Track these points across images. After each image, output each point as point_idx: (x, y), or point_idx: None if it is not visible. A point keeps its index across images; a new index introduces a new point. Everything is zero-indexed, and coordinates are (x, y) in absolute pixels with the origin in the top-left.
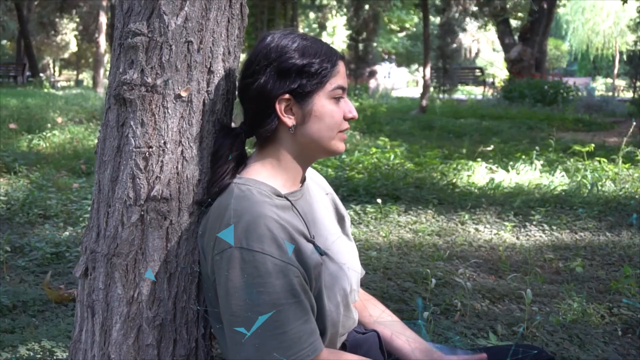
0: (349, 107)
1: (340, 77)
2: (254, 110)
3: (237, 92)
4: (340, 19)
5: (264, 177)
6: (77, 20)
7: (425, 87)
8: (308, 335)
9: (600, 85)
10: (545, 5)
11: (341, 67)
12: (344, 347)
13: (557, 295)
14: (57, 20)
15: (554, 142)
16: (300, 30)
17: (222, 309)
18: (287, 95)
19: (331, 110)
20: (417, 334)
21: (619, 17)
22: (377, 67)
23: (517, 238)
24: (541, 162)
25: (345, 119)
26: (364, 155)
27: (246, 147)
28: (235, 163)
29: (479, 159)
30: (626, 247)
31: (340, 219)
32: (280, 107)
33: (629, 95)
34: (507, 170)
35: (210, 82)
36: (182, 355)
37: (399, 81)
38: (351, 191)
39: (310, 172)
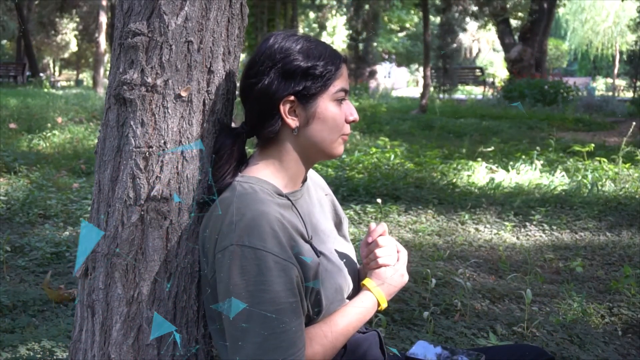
0: (350, 109)
1: (343, 79)
2: (257, 111)
3: (239, 92)
4: (340, 18)
5: (266, 175)
6: (77, 20)
7: (425, 87)
8: (302, 337)
9: (600, 85)
10: (545, 5)
11: (344, 70)
12: (344, 347)
13: (557, 295)
14: (57, 20)
15: (554, 142)
16: (301, 30)
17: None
18: (291, 97)
19: (334, 112)
20: None
21: (619, 17)
22: (377, 67)
23: (517, 238)
24: (541, 162)
25: (347, 121)
26: (364, 155)
27: (245, 148)
28: (236, 163)
29: (479, 159)
30: (626, 247)
31: (339, 221)
32: (284, 109)
33: (629, 95)
34: (507, 170)
35: (210, 82)
36: (182, 355)
37: (399, 81)
38: (351, 191)
39: (310, 173)
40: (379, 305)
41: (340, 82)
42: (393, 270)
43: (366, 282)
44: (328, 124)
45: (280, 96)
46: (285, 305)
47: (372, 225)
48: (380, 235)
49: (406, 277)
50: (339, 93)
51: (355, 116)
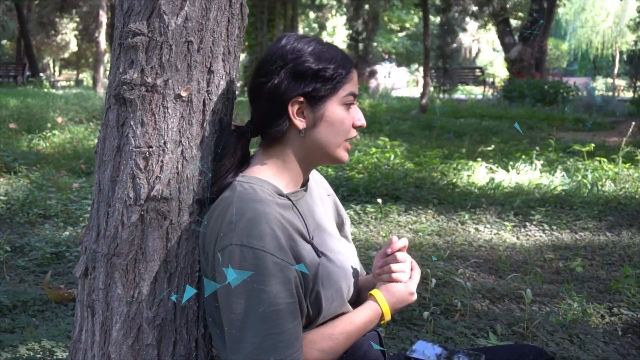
0: (358, 115)
1: (352, 84)
2: (264, 111)
3: (247, 91)
4: (340, 18)
5: (267, 176)
6: (77, 20)
7: (425, 87)
8: (300, 338)
9: (600, 85)
10: (545, 5)
11: (354, 74)
12: None
13: (557, 295)
14: (57, 20)
15: (554, 142)
16: (300, 30)
17: (222, 307)
18: (300, 98)
19: (342, 116)
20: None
21: (618, 17)
22: (377, 67)
23: (517, 238)
24: (541, 162)
25: (354, 126)
26: (364, 155)
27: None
28: (238, 162)
29: (479, 159)
30: (626, 247)
31: (341, 221)
32: (292, 110)
33: (629, 95)
34: (507, 170)
35: (211, 82)
36: (182, 355)
37: (399, 81)
38: (351, 191)
39: (313, 173)
40: (382, 317)
41: (350, 87)
42: (404, 287)
43: (374, 292)
44: (335, 127)
45: (290, 96)
46: (283, 305)
47: (394, 238)
48: (400, 250)
49: (414, 297)
50: (348, 97)
51: (362, 122)
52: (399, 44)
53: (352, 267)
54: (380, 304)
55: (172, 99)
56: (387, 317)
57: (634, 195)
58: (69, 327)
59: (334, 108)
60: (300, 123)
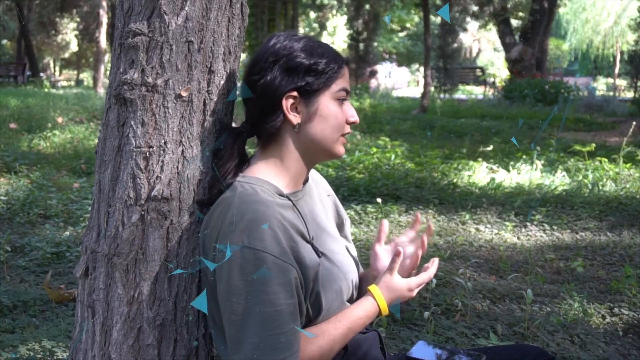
0: (351, 111)
1: (344, 80)
2: (259, 107)
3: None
4: (340, 18)
5: (267, 176)
6: (78, 19)
7: (426, 86)
8: (299, 339)
9: (601, 85)
10: (546, 5)
11: (346, 71)
12: (345, 347)
13: (557, 295)
14: (57, 19)
15: (555, 142)
16: (301, 30)
17: (222, 307)
18: (294, 93)
19: (335, 111)
20: None
21: (619, 17)
22: (377, 67)
23: (518, 238)
24: (542, 162)
25: (347, 122)
26: (365, 155)
27: (246, 148)
28: (237, 162)
29: (480, 159)
30: (627, 247)
31: (341, 221)
32: (286, 104)
33: (629, 95)
34: (508, 170)
35: (211, 82)
36: (182, 355)
37: (400, 81)
38: (352, 191)
39: (313, 173)
40: (379, 313)
41: (342, 82)
42: (405, 283)
43: (372, 288)
44: (329, 122)
45: (283, 91)
46: (283, 306)
47: (425, 237)
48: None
49: (413, 293)
50: (340, 92)
51: (355, 118)
52: (400, 44)
53: (351, 266)
54: (377, 299)
55: (172, 99)
56: (384, 312)
57: (635, 195)
58: (69, 327)
59: (327, 102)
60: (294, 118)
